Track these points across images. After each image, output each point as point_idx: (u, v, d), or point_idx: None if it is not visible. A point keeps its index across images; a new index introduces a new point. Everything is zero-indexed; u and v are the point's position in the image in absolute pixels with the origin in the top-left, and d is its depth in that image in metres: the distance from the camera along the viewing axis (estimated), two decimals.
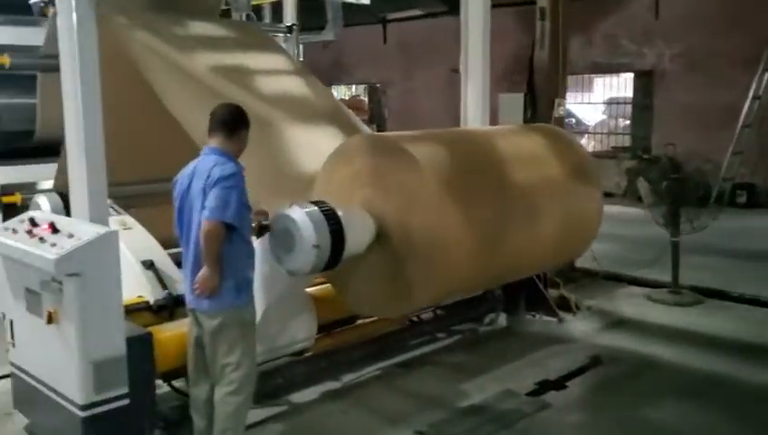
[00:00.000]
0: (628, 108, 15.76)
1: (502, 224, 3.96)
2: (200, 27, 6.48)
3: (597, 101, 17.82)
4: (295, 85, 6.19)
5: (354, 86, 20.78)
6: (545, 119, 7.36)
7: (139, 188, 6.68)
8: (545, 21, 7.33)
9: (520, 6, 16.04)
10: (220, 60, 6.08)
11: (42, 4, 5.48)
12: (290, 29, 7.26)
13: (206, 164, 3.61)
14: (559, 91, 7.45)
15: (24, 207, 6.50)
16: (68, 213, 4.92)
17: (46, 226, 3.88)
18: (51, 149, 6.92)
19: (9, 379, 5.06)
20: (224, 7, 7.26)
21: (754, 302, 6.83)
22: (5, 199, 6.39)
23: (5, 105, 6.57)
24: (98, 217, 3.97)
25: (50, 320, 3.69)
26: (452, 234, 3.67)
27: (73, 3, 3.89)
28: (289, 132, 5.58)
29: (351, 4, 9.29)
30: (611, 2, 14.85)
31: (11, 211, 6.50)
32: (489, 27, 6.47)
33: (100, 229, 3.70)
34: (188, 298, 3.74)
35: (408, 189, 3.69)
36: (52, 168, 6.63)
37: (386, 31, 18.47)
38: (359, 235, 3.68)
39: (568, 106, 14.78)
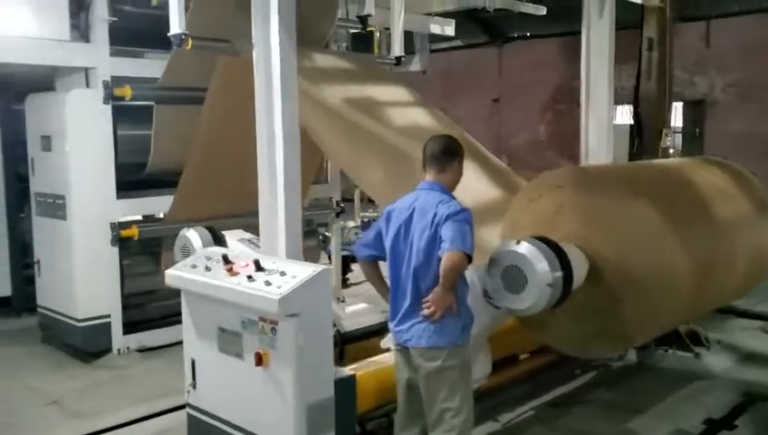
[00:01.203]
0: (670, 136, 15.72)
1: (710, 258, 3.86)
2: (323, 60, 6.44)
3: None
4: (423, 117, 6.13)
5: None
6: (652, 149, 7.31)
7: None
8: (653, 51, 7.30)
9: (563, 37, 16.20)
10: (349, 92, 6.04)
11: (183, 36, 5.40)
12: (398, 60, 7.22)
13: (428, 200, 3.51)
14: (666, 122, 7.40)
15: (142, 240, 6.41)
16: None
17: (246, 263, 3.76)
18: (161, 182, 6.87)
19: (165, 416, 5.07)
20: None
21: None
22: (124, 233, 6.27)
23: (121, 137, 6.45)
24: (294, 253, 3.88)
25: (259, 362, 3.55)
26: (672, 271, 3.58)
27: (276, 37, 3.81)
28: None
29: None
30: None
31: (127, 244, 6.40)
32: (613, 56, 6.43)
33: (316, 267, 3.58)
34: (403, 337, 3.60)
35: (627, 225, 3.59)
36: (163, 200, 6.56)
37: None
38: (578, 272, 3.57)
39: None
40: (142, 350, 6.53)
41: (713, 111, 14.47)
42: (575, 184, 3.82)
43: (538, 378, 5.43)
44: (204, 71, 6.16)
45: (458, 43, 18.21)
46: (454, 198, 3.56)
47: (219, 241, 5.04)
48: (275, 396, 3.55)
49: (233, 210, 6.73)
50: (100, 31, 6.13)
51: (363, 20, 7.44)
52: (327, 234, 8.55)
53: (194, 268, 3.99)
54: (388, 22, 7.77)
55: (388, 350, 4.38)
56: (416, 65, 8.87)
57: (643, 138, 7.38)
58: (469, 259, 3.35)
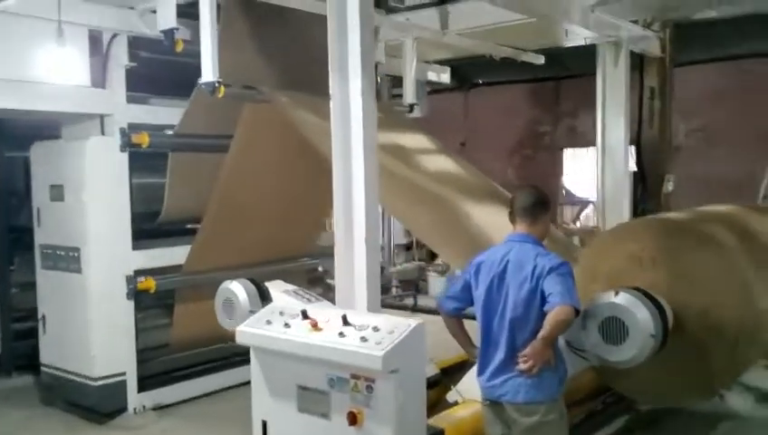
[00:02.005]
0: None
1: None
2: None
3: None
4: (451, 165, 6.14)
5: None
6: (656, 195, 7.52)
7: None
8: (654, 100, 7.55)
9: (530, 83, 16.70)
10: (382, 139, 6.01)
11: (216, 84, 5.30)
12: (411, 107, 7.27)
13: (524, 252, 3.48)
14: (667, 168, 7.65)
15: (158, 292, 6.15)
16: (262, 300, 4.74)
17: (327, 318, 3.63)
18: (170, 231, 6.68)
19: None
20: None
21: None
22: (141, 286, 6.01)
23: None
24: (374, 307, 3.79)
25: (353, 421, 3.41)
26: (757, 317, 3.63)
27: (359, 88, 3.75)
28: (467, 210, 5.52)
29: None
30: None
31: (140, 297, 6.13)
32: (629, 103, 6.65)
33: (410, 322, 3.49)
34: (496, 392, 3.52)
35: (709, 273, 3.64)
36: (178, 251, 6.36)
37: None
38: (669, 320, 3.59)
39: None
40: (157, 408, 6.22)
41: (678, 156, 14.99)
42: (653, 234, 3.87)
43: (580, 425, 5.40)
44: (223, 118, 6.08)
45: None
46: (550, 252, 3.54)
47: (264, 294, 4.87)
48: None
49: (254, 259, 6.61)
50: (118, 77, 5.95)
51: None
52: (330, 281, 8.40)
53: (269, 324, 3.83)
54: (390, 69, 7.88)
55: (455, 403, 4.31)
56: (416, 111, 8.93)
57: (647, 184, 7.58)
58: (577, 313, 3.32)
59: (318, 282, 8.01)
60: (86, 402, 5.98)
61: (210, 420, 6.10)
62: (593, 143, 16.45)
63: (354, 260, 3.82)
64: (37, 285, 6.39)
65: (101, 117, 5.97)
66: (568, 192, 19.46)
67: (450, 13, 6.75)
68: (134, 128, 6.00)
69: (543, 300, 3.33)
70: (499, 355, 3.51)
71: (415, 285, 11.48)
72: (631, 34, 6.56)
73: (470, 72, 17.18)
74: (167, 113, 6.29)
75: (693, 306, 3.67)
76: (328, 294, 8.54)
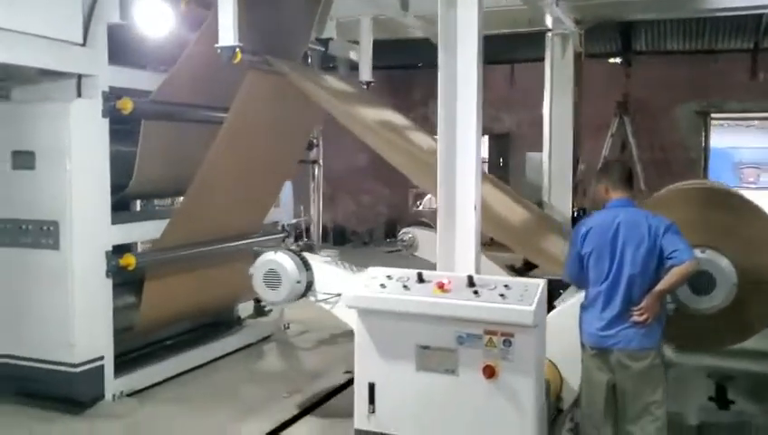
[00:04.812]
0: None
1: None
2: (332, 81, 6.47)
3: None
4: (426, 139, 6.38)
5: None
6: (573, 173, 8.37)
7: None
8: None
9: (383, 70, 17.26)
10: (373, 114, 6.18)
11: (236, 48, 5.07)
12: (368, 85, 7.39)
13: (633, 215, 3.90)
14: (579, 152, 8.53)
15: (137, 269, 5.74)
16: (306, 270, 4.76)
17: (449, 280, 3.78)
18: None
19: None
20: None
21: None
22: (122, 262, 5.57)
23: None
24: (478, 270, 4.02)
25: (491, 374, 3.62)
26: None
27: (473, 59, 3.92)
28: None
29: None
30: None
31: (123, 274, 5.68)
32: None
33: (535, 281, 3.79)
34: (609, 341, 3.90)
35: (755, 235, 4.31)
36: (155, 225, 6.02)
37: None
38: None
39: None
40: (132, 393, 5.81)
41: (517, 143, 16.47)
42: (700, 201, 4.50)
43: None
44: (204, 88, 5.89)
45: None
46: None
47: (307, 264, 4.84)
48: (508, 405, 3.63)
49: (217, 236, 6.43)
50: (101, 34, 5.43)
51: (325, 42, 7.51)
52: None
53: (384, 288, 3.88)
54: None
55: None
56: None
57: None
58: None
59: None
60: (62, 392, 5.41)
61: (192, 403, 5.83)
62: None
63: (456, 227, 3.99)
64: None
65: (79, 77, 5.43)
66: None
67: None
68: (115, 92, 5.53)
69: (661, 256, 3.78)
70: (613, 310, 3.88)
71: None
72: (571, 29, 7.26)
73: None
74: (145, 78, 5.88)
75: (738, 259, 4.29)
76: None
